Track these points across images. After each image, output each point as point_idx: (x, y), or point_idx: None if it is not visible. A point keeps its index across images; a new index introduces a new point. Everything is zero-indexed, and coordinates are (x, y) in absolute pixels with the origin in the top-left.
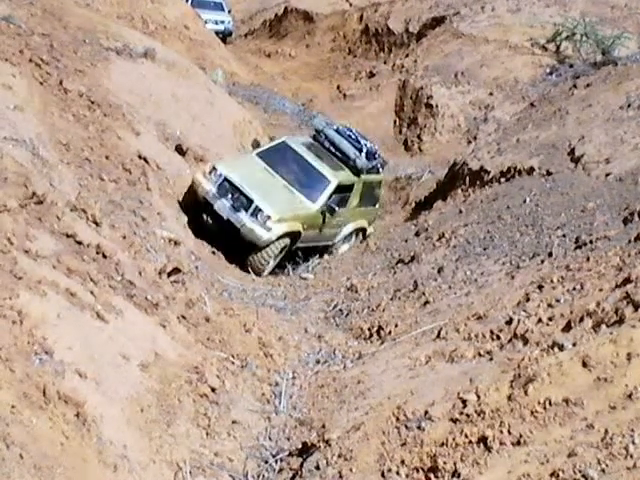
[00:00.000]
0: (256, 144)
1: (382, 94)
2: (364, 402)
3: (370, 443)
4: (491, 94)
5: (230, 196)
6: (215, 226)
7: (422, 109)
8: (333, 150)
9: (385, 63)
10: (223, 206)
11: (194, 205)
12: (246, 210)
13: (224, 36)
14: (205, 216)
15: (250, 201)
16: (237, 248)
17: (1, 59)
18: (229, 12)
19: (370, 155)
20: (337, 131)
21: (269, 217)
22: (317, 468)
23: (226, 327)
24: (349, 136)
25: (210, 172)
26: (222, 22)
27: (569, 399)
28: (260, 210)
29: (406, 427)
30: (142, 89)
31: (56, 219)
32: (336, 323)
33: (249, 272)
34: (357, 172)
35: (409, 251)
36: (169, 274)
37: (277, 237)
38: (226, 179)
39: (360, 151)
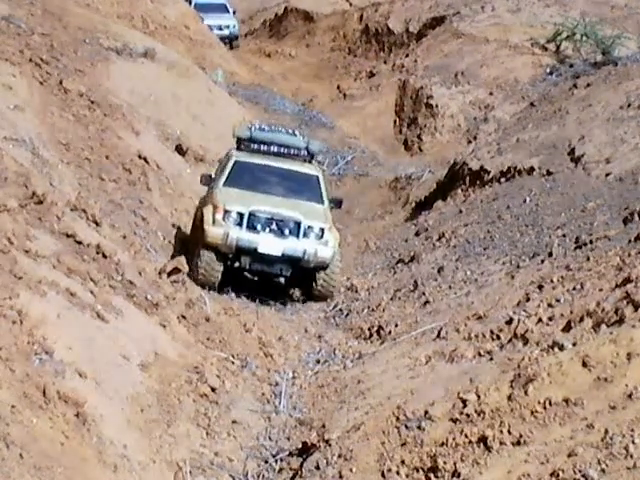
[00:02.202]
0: (206, 178)
1: (382, 94)
2: (364, 402)
3: (370, 443)
4: (491, 94)
5: (268, 229)
6: (266, 268)
7: (422, 109)
8: (278, 150)
9: (385, 63)
10: (269, 243)
11: (219, 263)
12: (297, 235)
13: (230, 41)
14: (246, 264)
15: (297, 223)
16: (291, 282)
17: (1, 59)
18: (234, 13)
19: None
20: (263, 129)
21: (322, 230)
22: (317, 468)
23: (226, 327)
24: (276, 129)
25: (225, 217)
26: (227, 27)
27: (569, 399)
28: (310, 227)
29: (406, 427)
30: (142, 89)
31: (56, 219)
32: (336, 323)
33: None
34: (311, 159)
35: (409, 251)
36: (169, 274)
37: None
38: (252, 214)
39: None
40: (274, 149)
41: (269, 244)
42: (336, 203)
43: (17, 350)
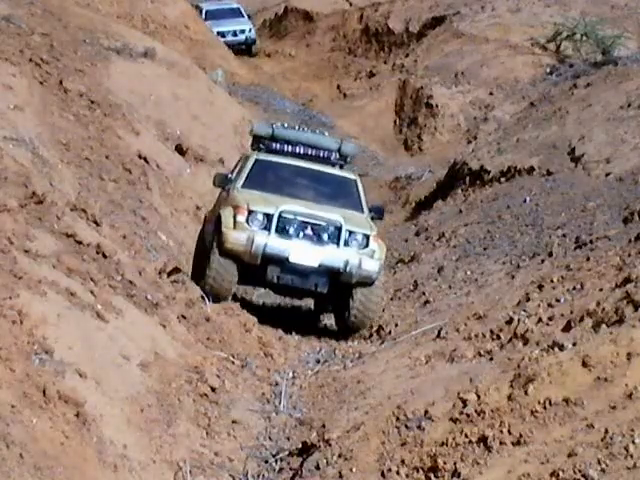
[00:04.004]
0: (221, 178)
1: (382, 94)
2: (364, 402)
3: (370, 443)
4: (491, 94)
5: (301, 234)
6: (299, 282)
7: (422, 109)
8: (305, 151)
9: (385, 63)
10: (304, 250)
11: (240, 275)
12: (337, 242)
13: (248, 46)
14: (274, 277)
15: (337, 228)
16: (323, 304)
17: (1, 59)
18: (249, 17)
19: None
20: (287, 127)
21: (367, 238)
22: (317, 468)
23: (226, 327)
24: (303, 128)
25: (249, 219)
26: (242, 32)
27: (569, 399)
28: (353, 233)
29: (406, 427)
30: (142, 89)
31: (56, 219)
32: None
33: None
34: (345, 163)
35: (409, 251)
36: (169, 274)
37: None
38: (282, 216)
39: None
40: (300, 150)
41: (303, 252)
42: (377, 212)
43: (17, 350)
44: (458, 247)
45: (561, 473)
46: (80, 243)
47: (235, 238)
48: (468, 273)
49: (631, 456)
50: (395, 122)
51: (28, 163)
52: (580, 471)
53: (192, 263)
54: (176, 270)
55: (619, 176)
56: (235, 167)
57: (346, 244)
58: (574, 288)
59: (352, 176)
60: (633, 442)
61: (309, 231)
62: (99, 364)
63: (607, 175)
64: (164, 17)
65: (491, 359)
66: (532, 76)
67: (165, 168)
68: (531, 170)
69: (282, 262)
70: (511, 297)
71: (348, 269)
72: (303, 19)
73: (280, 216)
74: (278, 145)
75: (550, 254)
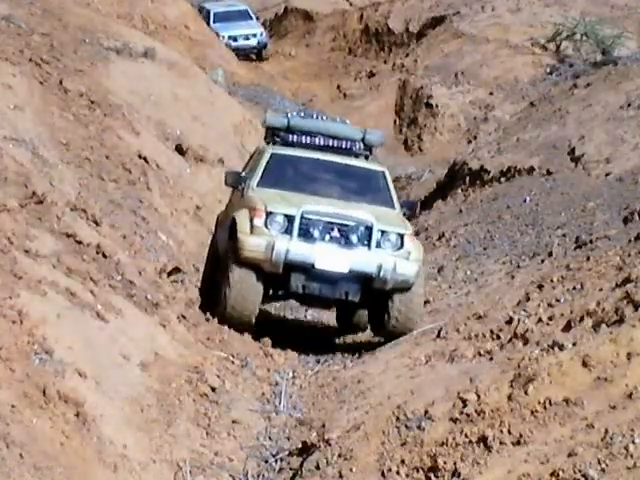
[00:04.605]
0: (234, 176)
1: (382, 94)
2: (364, 402)
3: (370, 443)
4: (491, 94)
5: (328, 237)
6: (327, 290)
7: (422, 109)
8: (326, 142)
9: (385, 63)
10: (331, 255)
11: (264, 284)
12: (367, 244)
13: (259, 50)
14: (298, 287)
15: (367, 228)
16: (350, 315)
17: (1, 59)
18: (257, 19)
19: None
20: (304, 117)
21: (402, 237)
22: (317, 468)
23: (226, 327)
24: (321, 117)
25: (268, 222)
26: (254, 35)
27: (569, 399)
28: (385, 233)
29: (406, 427)
30: (142, 89)
31: (56, 219)
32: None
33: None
34: (370, 153)
35: None
36: (169, 274)
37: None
38: (305, 217)
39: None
40: (320, 141)
41: (331, 257)
42: (409, 208)
43: (17, 350)
44: (458, 247)
45: (561, 473)
46: (80, 243)
47: (253, 245)
48: (468, 273)
49: (631, 456)
50: (395, 122)
51: (28, 163)
52: (580, 471)
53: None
54: (176, 270)
55: (619, 176)
56: (247, 163)
57: (378, 246)
58: (574, 288)
59: (380, 168)
60: (633, 442)
61: (336, 233)
62: (99, 364)
63: (607, 175)
64: (164, 17)
65: (491, 359)
66: (532, 76)
67: (165, 168)
68: (531, 170)
69: (307, 269)
70: (511, 297)
71: (382, 274)
72: (303, 19)
73: (302, 217)
74: (295, 137)
75: (550, 254)
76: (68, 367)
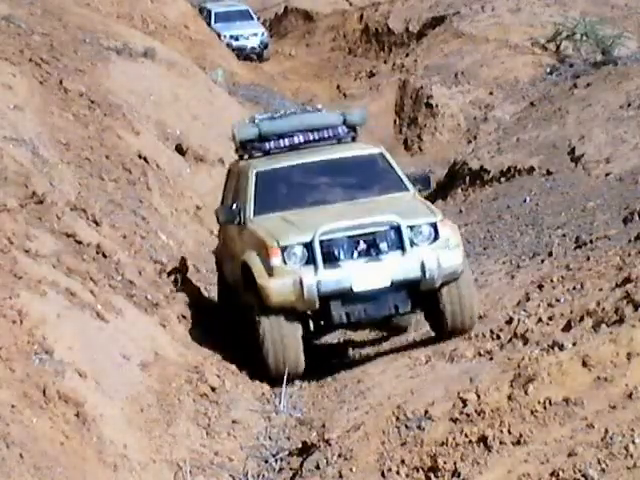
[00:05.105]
0: (227, 212)
1: (382, 94)
2: (364, 402)
3: (370, 443)
4: (491, 94)
5: (356, 253)
6: (374, 311)
7: (422, 109)
8: (306, 138)
9: (385, 63)
10: (367, 272)
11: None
12: (401, 246)
13: (260, 50)
14: (342, 317)
15: (394, 228)
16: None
17: (1, 58)
18: (258, 19)
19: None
20: (274, 117)
21: (435, 226)
22: (317, 468)
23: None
24: (291, 112)
25: (285, 257)
26: (255, 35)
27: (569, 399)
28: (416, 227)
29: (406, 427)
30: (142, 89)
31: (56, 219)
32: None
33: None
34: (355, 135)
35: None
36: (169, 274)
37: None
38: (325, 240)
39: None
40: (300, 139)
41: (367, 274)
42: (423, 182)
43: (17, 350)
44: None
45: (561, 473)
46: (80, 243)
47: (278, 288)
48: None
49: (631, 456)
50: (395, 122)
51: (28, 163)
52: (580, 471)
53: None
54: (176, 270)
55: (619, 176)
56: (226, 186)
57: (412, 244)
58: (574, 288)
59: (375, 149)
60: (633, 442)
61: (363, 245)
62: (99, 364)
63: (607, 175)
64: (164, 17)
65: (491, 359)
66: (532, 76)
67: (165, 168)
68: (531, 170)
69: (347, 296)
70: (511, 297)
71: (428, 275)
72: (303, 19)
73: (322, 241)
74: (272, 143)
75: (550, 254)
76: (68, 367)
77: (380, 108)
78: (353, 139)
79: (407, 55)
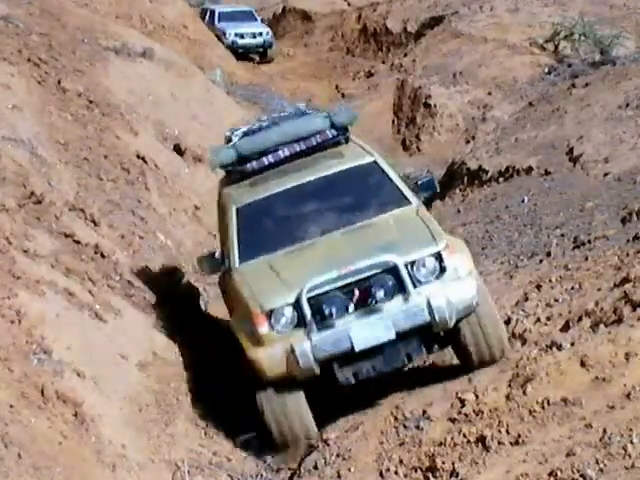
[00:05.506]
0: (208, 262)
1: (380, 94)
2: (362, 402)
3: (368, 443)
4: (490, 94)
5: (351, 307)
6: (383, 366)
7: (420, 109)
8: (291, 150)
9: (383, 63)
10: (367, 328)
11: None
12: (401, 289)
13: (264, 49)
14: (348, 379)
15: (391, 270)
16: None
17: None
18: (262, 21)
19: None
20: (253, 131)
21: (439, 256)
22: (315, 468)
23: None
24: (272, 121)
25: (273, 324)
26: (260, 34)
27: (567, 399)
28: (418, 263)
29: (404, 427)
30: (140, 89)
31: (54, 219)
32: None
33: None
34: (346, 137)
35: None
36: (168, 274)
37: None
38: (313, 297)
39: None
40: (285, 152)
41: (368, 330)
42: (426, 187)
43: (15, 350)
44: None
45: (559, 473)
46: (78, 243)
47: (269, 360)
48: None
49: (629, 456)
50: (393, 122)
51: (26, 163)
52: (578, 471)
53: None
54: (175, 270)
55: (617, 176)
56: (218, 219)
57: (417, 283)
58: (572, 288)
59: (367, 158)
60: (631, 442)
61: (358, 295)
62: (97, 364)
63: (605, 175)
64: (163, 17)
65: None
66: (530, 76)
67: (163, 168)
68: (529, 170)
69: (348, 358)
70: (509, 297)
71: (438, 317)
72: (301, 19)
73: (311, 298)
74: (255, 163)
75: (548, 254)
76: (66, 367)
77: (378, 108)
78: (346, 140)
79: (405, 55)
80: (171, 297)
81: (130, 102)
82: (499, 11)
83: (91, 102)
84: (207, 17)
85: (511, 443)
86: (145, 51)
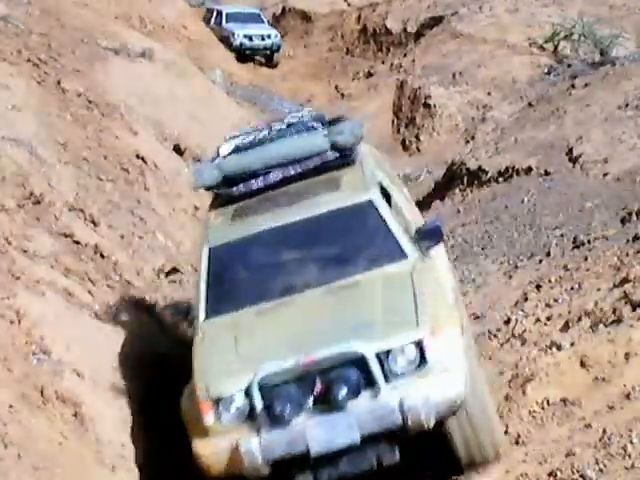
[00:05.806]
0: (182, 311)
1: (380, 94)
2: None
3: None
4: (489, 94)
5: (310, 402)
6: (348, 467)
7: (420, 109)
8: (285, 174)
9: (383, 63)
10: (325, 429)
11: None
12: (370, 383)
13: (271, 52)
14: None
15: (358, 362)
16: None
17: None
18: (269, 23)
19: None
20: (244, 147)
21: (420, 345)
22: None
23: None
24: (266, 134)
25: (219, 414)
26: (269, 36)
27: (567, 399)
28: (389, 354)
29: None
30: (140, 89)
31: (54, 219)
32: None
33: None
34: (351, 159)
35: None
36: (167, 274)
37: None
38: (265, 389)
39: (322, 125)
40: (277, 176)
41: (326, 432)
42: (431, 236)
43: (15, 350)
44: (456, 247)
45: (559, 473)
46: (78, 243)
47: (214, 456)
48: (466, 273)
49: (629, 456)
50: (393, 122)
51: (26, 163)
52: (578, 471)
53: None
54: (174, 270)
55: (617, 176)
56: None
57: (390, 377)
58: (572, 288)
59: (363, 197)
60: (631, 442)
61: (318, 389)
62: (97, 364)
63: (605, 175)
64: (162, 17)
65: (489, 359)
66: (530, 76)
67: (163, 168)
68: (529, 170)
69: (303, 462)
70: (509, 297)
71: (411, 419)
72: (301, 19)
73: (263, 387)
74: (242, 186)
75: (548, 254)
76: (66, 367)
77: (378, 108)
78: (349, 162)
79: (405, 55)
80: (171, 297)
81: (130, 102)
82: (499, 11)
83: (91, 102)
84: (214, 18)
85: (511, 443)
86: (145, 51)
